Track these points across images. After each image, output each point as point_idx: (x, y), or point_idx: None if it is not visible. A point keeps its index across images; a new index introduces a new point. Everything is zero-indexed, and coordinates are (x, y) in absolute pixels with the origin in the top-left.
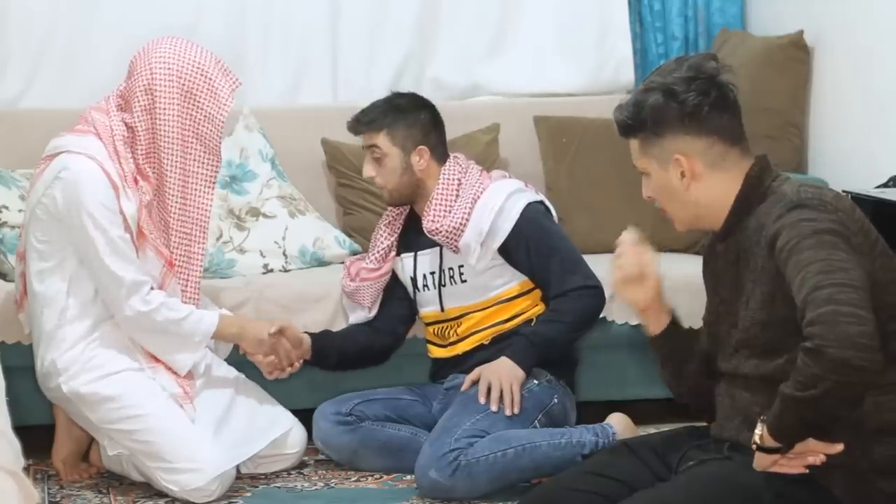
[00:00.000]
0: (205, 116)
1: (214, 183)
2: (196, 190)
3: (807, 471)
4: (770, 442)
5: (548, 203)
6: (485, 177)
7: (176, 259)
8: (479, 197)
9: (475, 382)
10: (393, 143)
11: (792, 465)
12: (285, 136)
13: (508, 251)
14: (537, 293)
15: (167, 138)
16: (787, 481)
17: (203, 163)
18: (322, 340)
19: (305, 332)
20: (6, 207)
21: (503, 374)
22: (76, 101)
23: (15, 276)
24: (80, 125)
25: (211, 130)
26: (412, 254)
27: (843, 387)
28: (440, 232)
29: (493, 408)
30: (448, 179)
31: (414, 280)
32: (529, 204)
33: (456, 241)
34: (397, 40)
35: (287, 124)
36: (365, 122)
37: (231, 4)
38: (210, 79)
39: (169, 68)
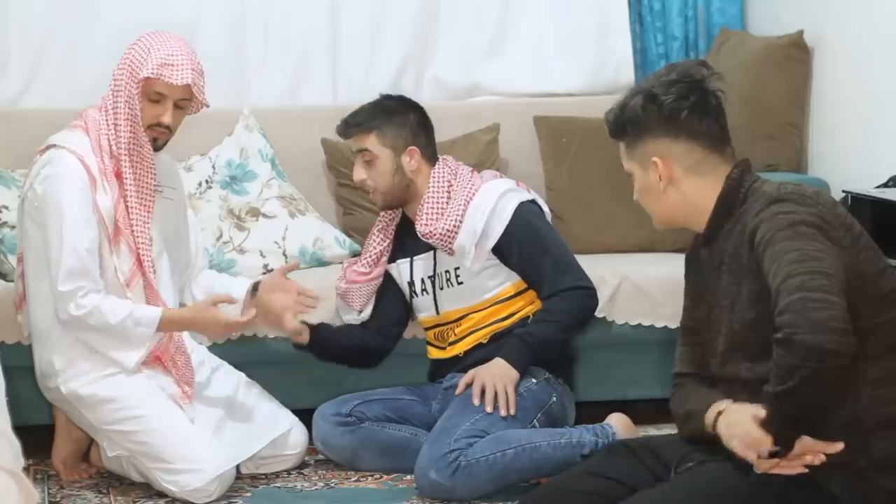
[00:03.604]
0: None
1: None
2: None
3: (806, 470)
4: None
5: (540, 202)
6: (476, 177)
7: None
8: (471, 198)
9: (469, 385)
10: (383, 144)
11: (791, 465)
12: (285, 136)
13: (502, 252)
14: (533, 292)
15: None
16: (786, 481)
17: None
18: (321, 330)
19: (304, 323)
20: (6, 207)
21: (497, 375)
22: (76, 101)
23: (15, 276)
24: (75, 121)
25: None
26: (408, 259)
27: (819, 373)
28: (434, 235)
29: (488, 409)
30: (438, 182)
31: (411, 284)
32: (521, 204)
33: (450, 243)
34: (397, 40)
35: (287, 124)
36: (354, 124)
37: (231, 4)
38: (149, 55)
39: (125, 57)
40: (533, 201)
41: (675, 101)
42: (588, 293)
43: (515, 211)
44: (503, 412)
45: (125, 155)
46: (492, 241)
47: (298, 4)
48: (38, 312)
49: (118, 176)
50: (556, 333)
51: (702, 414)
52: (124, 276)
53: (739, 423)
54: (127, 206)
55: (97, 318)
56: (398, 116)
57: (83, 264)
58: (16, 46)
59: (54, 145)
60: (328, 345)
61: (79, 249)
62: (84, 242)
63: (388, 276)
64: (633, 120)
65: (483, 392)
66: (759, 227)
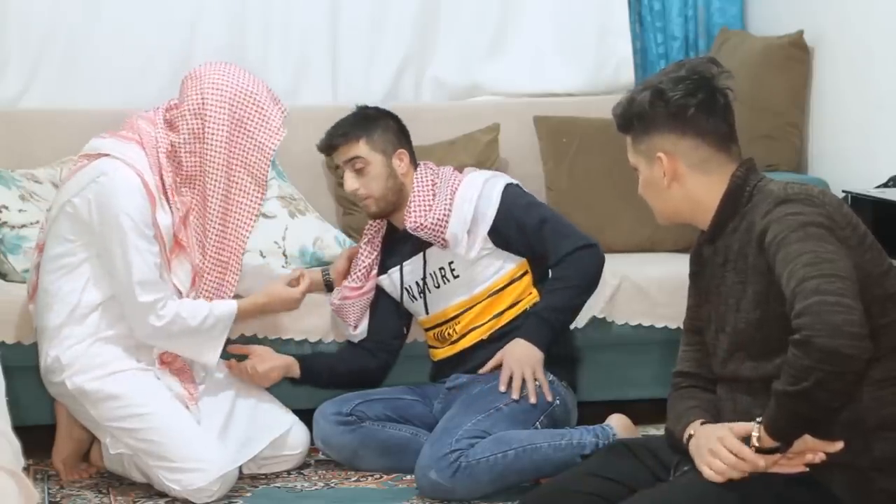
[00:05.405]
0: (255, 145)
1: (257, 215)
2: (237, 220)
3: (806, 469)
4: (768, 442)
5: (523, 187)
6: (457, 172)
7: (206, 285)
8: (456, 188)
9: (497, 368)
10: (374, 149)
11: (791, 464)
12: (285, 136)
13: (500, 233)
14: (527, 279)
15: (213, 164)
16: (787, 481)
17: (248, 193)
18: (312, 361)
19: (292, 356)
20: (6, 207)
21: (524, 359)
22: (76, 101)
23: (30, 266)
24: (125, 131)
25: (260, 160)
26: (398, 266)
27: (835, 377)
28: (424, 227)
29: (515, 396)
30: (422, 181)
31: (408, 290)
32: (508, 185)
33: (442, 234)
34: (397, 40)
35: (287, 124)
36: (340, 135)
37: (231, 4)
38: (262, 107)
39: (221, 94)
40: (517, 185)
41: (683, 98)
42: (592, 251)
43: (503, 192)
44: (532, 399)
45: None
46: (485, 226)
47: (298, 4)
48: (56, 309)
49: (173, 196)
50: (572, 298)
51: (679, 435)
52: (185, 290)
53: (710, 447)
54: (191, 222)
55: (179, 324)
56: (381, 121)
57: (155, 275)
58: (16, 46)
59: (108, 154)
60: (323, 375)
61: (149, 261)
62: (151, 256)
63: (382, 291)
64: (640, 115)
65: (510, 379)
66: (769, 229)
